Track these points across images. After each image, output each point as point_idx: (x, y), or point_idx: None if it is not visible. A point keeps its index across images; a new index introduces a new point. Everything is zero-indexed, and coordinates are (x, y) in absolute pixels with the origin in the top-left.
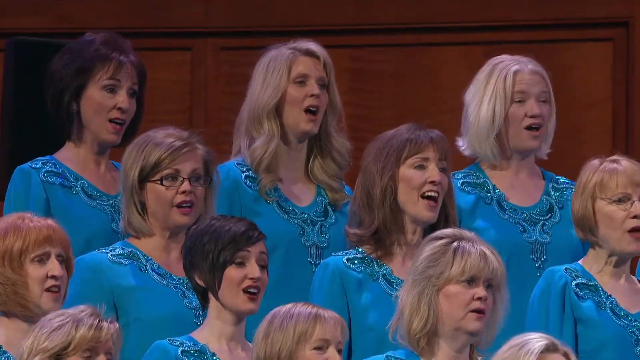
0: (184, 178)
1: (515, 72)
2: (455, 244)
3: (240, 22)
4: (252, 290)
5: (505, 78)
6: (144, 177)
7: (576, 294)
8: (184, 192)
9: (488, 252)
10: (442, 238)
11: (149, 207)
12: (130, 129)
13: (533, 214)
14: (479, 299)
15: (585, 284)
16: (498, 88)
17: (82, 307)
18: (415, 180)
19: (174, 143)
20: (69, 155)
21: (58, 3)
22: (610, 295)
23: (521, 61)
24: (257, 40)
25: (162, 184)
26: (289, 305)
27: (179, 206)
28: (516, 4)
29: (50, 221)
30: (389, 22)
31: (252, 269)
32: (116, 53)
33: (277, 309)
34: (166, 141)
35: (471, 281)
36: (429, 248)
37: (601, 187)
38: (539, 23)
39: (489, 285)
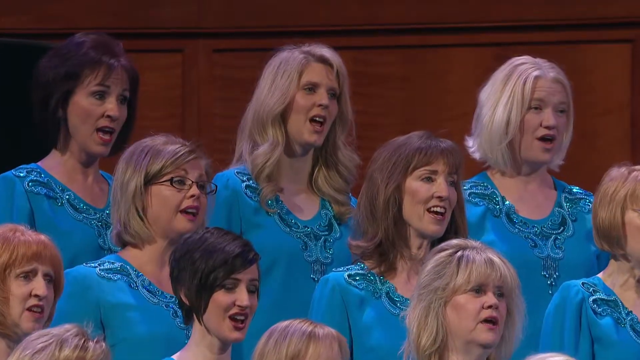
0: (192, 182)
1: (537, 78)
2: (459, 253)
3: (235, 22)
4: (239, 317)
5: (525, 82)
6: (149, 180)
7: (594, 310)
8: (192, 196)
9: (495, 259)
10: (446, 249)
11: (152, 212)
12: (121, 138)
13: (544, 227)
14: (489, 307)
15: (603, 299)
16: (516, 92)
17: (67, 326)
18: (422, 193)
19: (179, 149)
20: (55, 164)
21: (42, 2)
22: (631, 312)
23: (543, 66)
24: (253, 42)
25: (171, 184)
26: (286, 322)
27: (185, 212)
28: (529, 3)
29: (43, 237)
30: (394, 22)
31: (241, 296)
32: (107, 57)
33: (275, 325)
34: (170, 147)
35: (479, 290)
36: (433, 260)
37: (633, 197)
38: (554, 23)
39: (500, 295)
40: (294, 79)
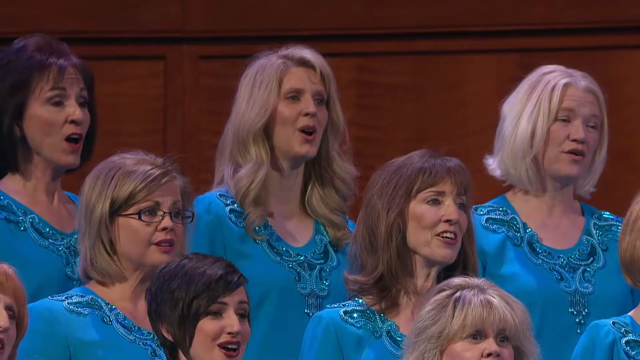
0: (164, 212)
1: (566, 86)
2: (457, 294)
3: (223, 25)
4: (230, 346)
5: (552, 90)
6: (115, 211)
7: (626, 353)
8: (164, 229)
9: (495, 299)
10: (445, 290)
11: (120, 246)
12: (86, 148)
13: (571, 258)
14: (489, 355)
15: (637, 340)
16: (542, 101)
17: None
18: (428, 218)
19: (150, 172)
20: (15, 186)
21: None
22: None
23: (575, 75)
24: (244, 48)
25: (140, 218)
26: None
27: (158, 244)
28: (556, 4)
29: (6, 266)
30: (404, 25)
31: (231, 321)
32: (54, 57)
33: None
34: (140, 169)
35: (477, 336)
36: (430, 302)
37: None
38: (584, 27)
39: (504, 339)
40: (273, 87)
